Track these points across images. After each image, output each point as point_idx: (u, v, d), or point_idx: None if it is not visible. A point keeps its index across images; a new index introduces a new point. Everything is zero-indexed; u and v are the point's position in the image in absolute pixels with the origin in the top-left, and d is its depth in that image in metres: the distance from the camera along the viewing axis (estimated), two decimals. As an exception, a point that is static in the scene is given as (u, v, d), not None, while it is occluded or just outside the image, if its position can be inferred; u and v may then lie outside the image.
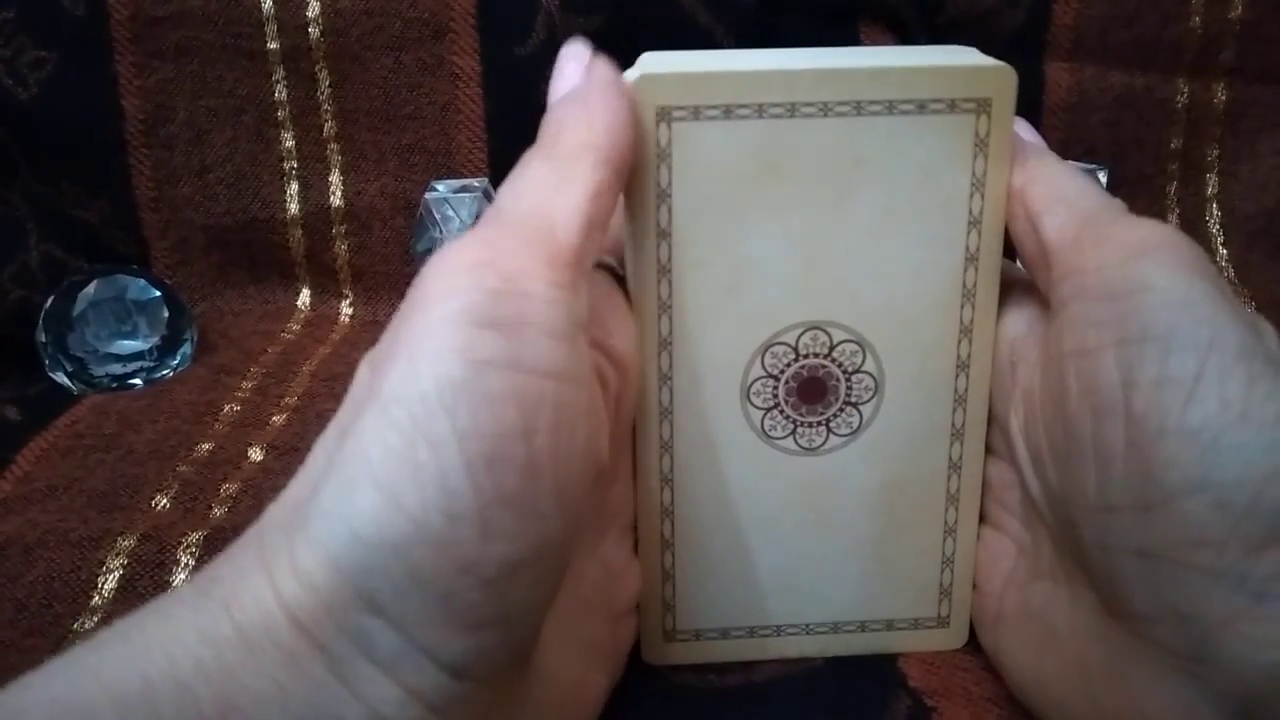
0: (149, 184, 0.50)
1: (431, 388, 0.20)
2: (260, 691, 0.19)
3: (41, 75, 0.47)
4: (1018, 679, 0.28)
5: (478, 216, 0.46)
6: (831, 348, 0.28)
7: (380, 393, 0.20)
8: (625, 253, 0.27)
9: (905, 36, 0.48)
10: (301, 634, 0.19)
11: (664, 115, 0.25)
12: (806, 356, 0.28)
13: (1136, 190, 0.50)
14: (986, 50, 0.28)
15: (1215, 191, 0.51)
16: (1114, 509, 0.23)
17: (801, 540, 0.29)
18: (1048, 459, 0.26)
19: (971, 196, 0.27)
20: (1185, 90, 0.49)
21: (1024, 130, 0.29)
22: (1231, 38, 0.48)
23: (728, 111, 0.26)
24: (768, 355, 0.28)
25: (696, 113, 0.26)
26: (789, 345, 0.28)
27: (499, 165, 0.49)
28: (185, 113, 0.49)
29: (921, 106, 0.26)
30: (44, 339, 0.45)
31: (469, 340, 0.20)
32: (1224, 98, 0.49)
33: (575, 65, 0.26)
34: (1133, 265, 0.24)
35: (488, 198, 0.47)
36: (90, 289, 0.45)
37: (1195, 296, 0.23)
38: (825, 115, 0.26)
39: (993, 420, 0.29)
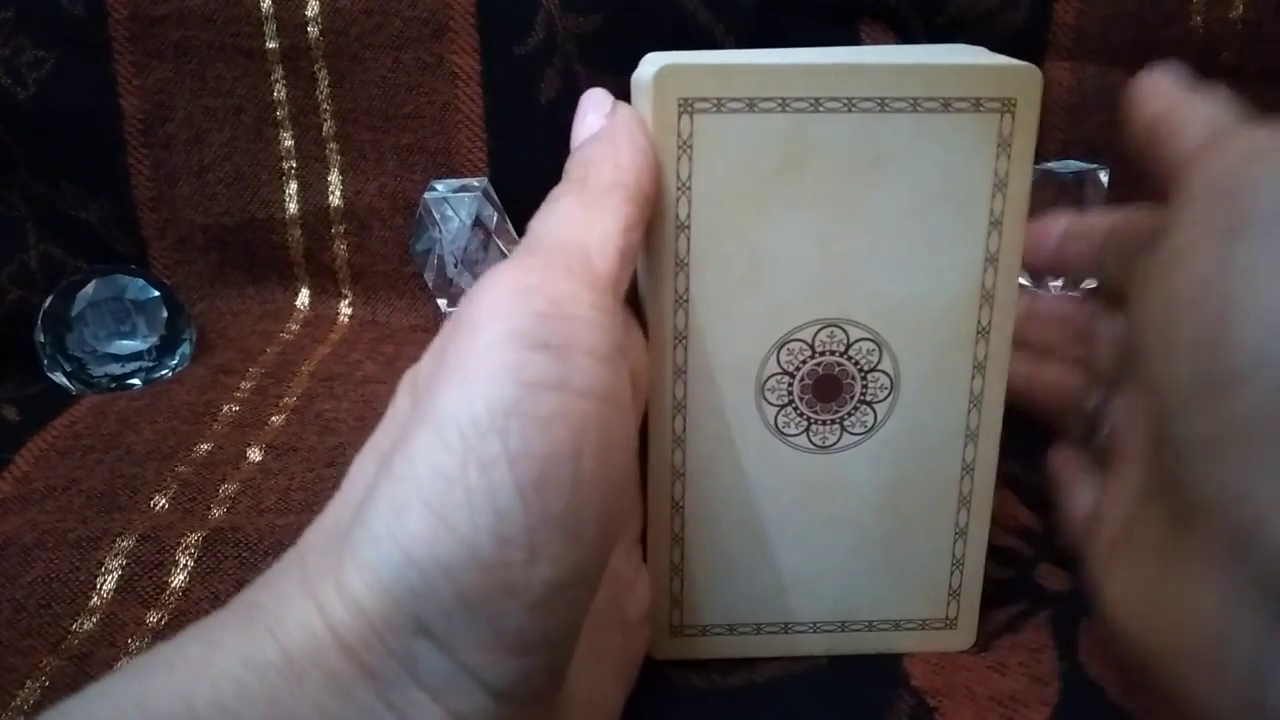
0: (148, 184, 0.49)
1: (484, 409, 0.20)
2: (305, 716, 0.18)
3: (40, 74, 0.47)
4: (1112, 603, 0.27)
5: (477, 216, 0.46)
6: (848, 345, 0.28)
7: (431, 414, 0.20)
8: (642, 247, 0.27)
9: (905, 35, 0.48)
10: (348, 658, 0.19)
11: (686, 106, 0.25)
12: (822, 354, 0.28)
13: (1137, 192, 0.50)
14: (987, 49, 0.28)
15: (1216, 191, 0.51)
16: (1196, 393, 0.23)
17: (811, 538, 0.29)
18: (1150, 355, 0.25)
19: (993, 197, 0.27)
20: (1186, 89, 0.49)
21: (1174, 70, 0.29)
22: (1233, 37, 0.48)
23: (751, 104, 0.25)
24: (783, 351, 0.28)
25: (719, 104, 0.25)
26: (805, 342, 0.28)
27: (498, 165, 0.49)
28: (184, 112, 0.49)
29: (946, 105, 0.26)
30: (43, 339, 0.45)
31: (520, 362, 0.20)
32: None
33: (596, 115, 0.26)
34: (1245, 166, 0.24)
35: (487, 198, 0.46)
36: (89, 289, 0.45)
37: None
38: (849, 111, 0.26)
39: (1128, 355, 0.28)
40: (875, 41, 0.47)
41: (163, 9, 0.48)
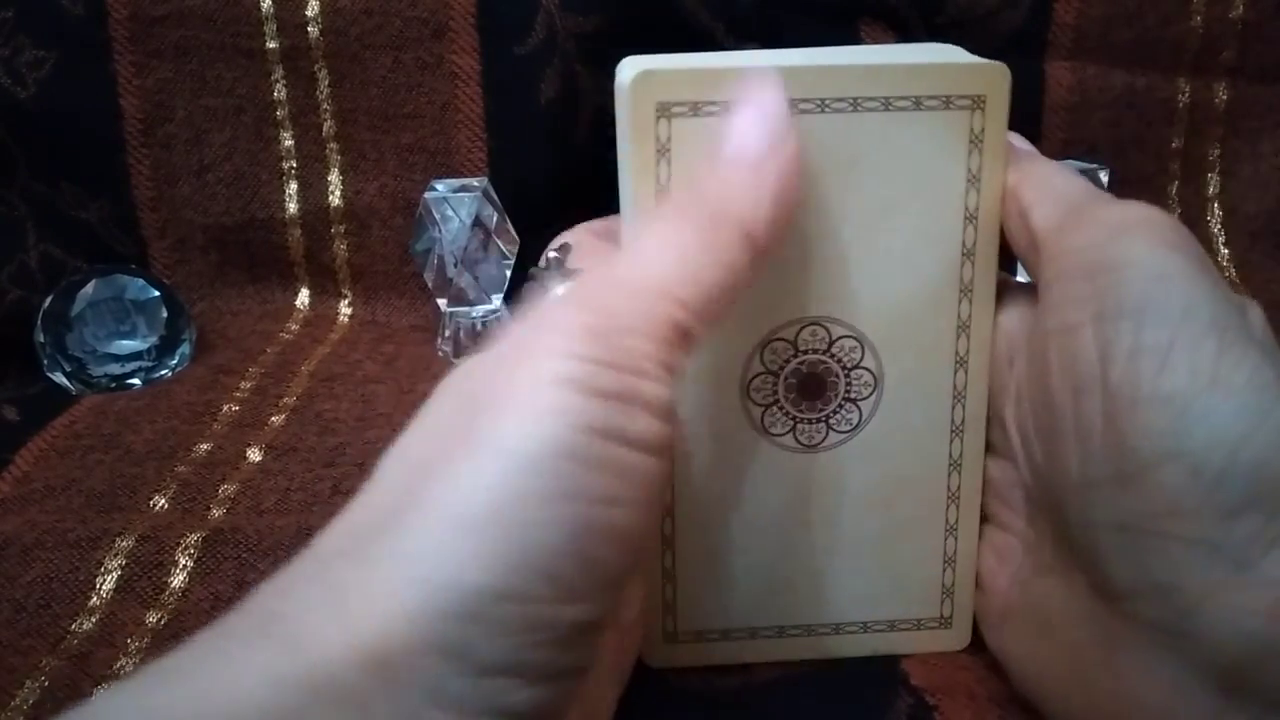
0: (148, 184, 0.50)
1: (537, 447, 0.20)
2: None
3: (40, 74, 0.47)
4: (1019, 674, 0.28)
5: (477, 216, 0.46)
6: (830, 343, 0.28)
7: (482, 441, 0.20)
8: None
9: (905, 36, 0.48)
10: (373, 675, 0.19)
11: (664, 111, 0.26)
12: (806, 352, 0.28)
13: (1138, 190, 0.50)
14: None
15: (1216, 191, 0.51)
16: (1094, 483, 0.23)
17: (802, 539, 0.29)
18: (1034, 441, 0.26)
19: (967, 192, 0.27)
20: (1186, 90, 0.49)
21: (1016, 140, 0.29)
22: (1232, 37, 0.48)
23: (727, 108, 0.26)
24: (767, 351, 0.28)
25: (696, 108, 0.26)
26: (788, 341, 0.28)
27: (498, 165, 0.49)
28: (184, 112, 0.49)
29: (917, 103, 0.26)
30: (43, 339, 0.45)
31: (581, 406, 0.20)
32: (1225, 97, 0.49)
33: (760, 135, 0.24)
34: (1113, 243, 0.24)
35: (487, 198, 0.46)
36: (89, 289, 0.45)
37: (1171, 270, 0.23)
38: (822, 111, 0.26)
39: (993, 417, 0.29)
40: (875, 41, 0.48)
41: (163, 9, 0.48)
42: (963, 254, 0.27)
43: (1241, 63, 0.49)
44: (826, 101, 0.26)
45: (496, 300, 0.47)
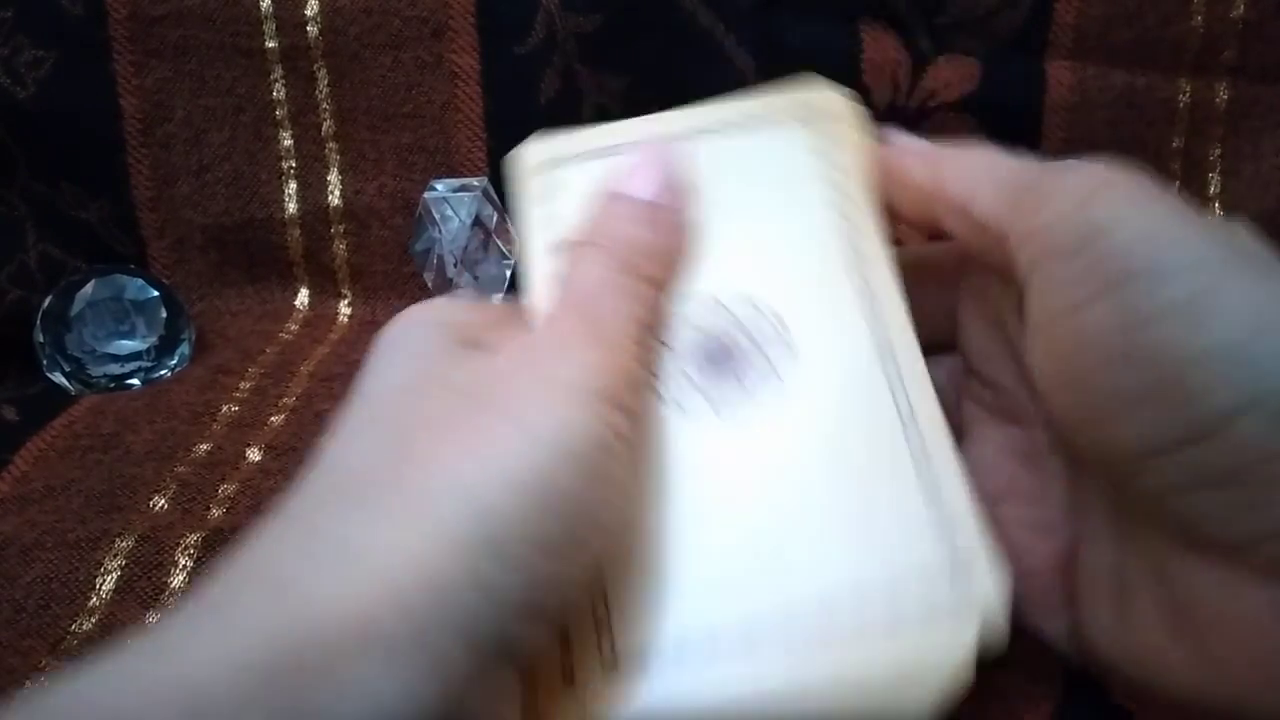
0: (147, 183, 0.49)
1: (578, 438, 0.23)
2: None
3: (40, 74, 0.47)
4: (1104, 649, 0.26)
5: (477, 216, 0.46)
6: (727, 309, 0.29)
7: (522, 427, 0.22)
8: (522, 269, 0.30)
9: (906, 35, 0.48)
10: (411, 621, 0.20)
11: (537, 170, 0.32)
12: (703, 324, 0.29)
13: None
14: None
15: (1217, 191, 0.51)
16: (1163, 449, 0.22)
17: (746, 522, 0.26)
18: (1070, 424, 0.25)
19: (829, 195, 0.30)
20: (1187, 89, 0.49)
21: (914, 142, 0.30)
22: (1233, 37, 0.48)
23: (608, 151, 0.31)
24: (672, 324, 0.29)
25: (557, 164, 0.32)
26: (682, 315, 0.29)
27: (498, 164, 0.49)
28: (183, 112, 0.49)
29: (758, 125, 0.31)
30: (42, 339, 0.45)
31: (608, 413, 0.23)
32: (1226, 97, 0.49)
33: (649, 179, 0.30)
34: (1087, 212, 0.23)
35: (487, 198, 0.46)
36: (88, 289, 0.45)
37: (1160, 224, 0.23)
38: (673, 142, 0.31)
39: (1001, 384, 0.28)
40: (875, 42, 0.47)
41: (162, 9, 0.48)
42: (839, 220, 0.30)
43: (1242, 62, 0.48)
44: (673, 136, 0.31)
45: (497, 300, 0.47)
